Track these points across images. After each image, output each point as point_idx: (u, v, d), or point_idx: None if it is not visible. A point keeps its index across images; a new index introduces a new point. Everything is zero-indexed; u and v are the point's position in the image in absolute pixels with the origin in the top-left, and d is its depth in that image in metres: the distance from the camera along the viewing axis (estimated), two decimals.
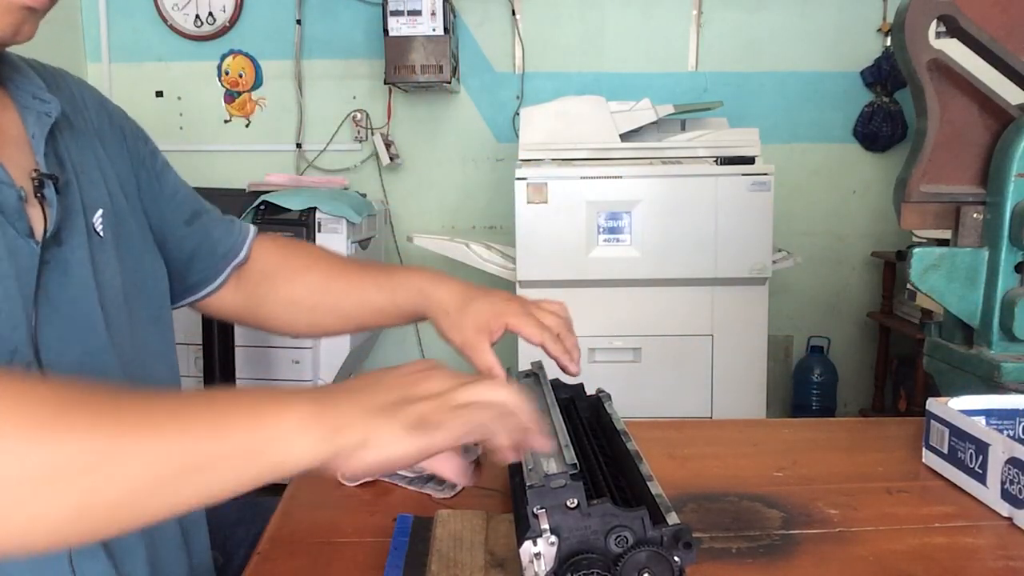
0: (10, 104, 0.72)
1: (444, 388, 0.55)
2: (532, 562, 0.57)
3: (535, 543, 0.57)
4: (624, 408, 0.84)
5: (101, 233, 0.74)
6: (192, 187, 0.95)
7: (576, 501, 0.57)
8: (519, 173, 2.60)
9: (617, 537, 0.57)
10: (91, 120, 0.80)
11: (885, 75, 3.18)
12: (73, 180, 0.73)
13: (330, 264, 0.98)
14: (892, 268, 3.17)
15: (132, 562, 0.73)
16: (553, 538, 0.57)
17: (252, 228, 0.98)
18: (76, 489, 0.45)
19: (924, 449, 0.94)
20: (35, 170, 0.69)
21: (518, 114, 3.13)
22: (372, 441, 0.51)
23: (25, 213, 0.67)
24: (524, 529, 0.57)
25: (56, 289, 0.68)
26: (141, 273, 0.80)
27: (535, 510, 0.57)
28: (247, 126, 3.39)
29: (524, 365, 1.00)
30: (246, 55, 3.35)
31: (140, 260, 0.81)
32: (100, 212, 0.75)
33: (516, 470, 0.71)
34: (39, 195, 0.68)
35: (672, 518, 0.59)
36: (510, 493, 0.77)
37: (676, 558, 0.57)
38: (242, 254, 0.95)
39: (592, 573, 0.56)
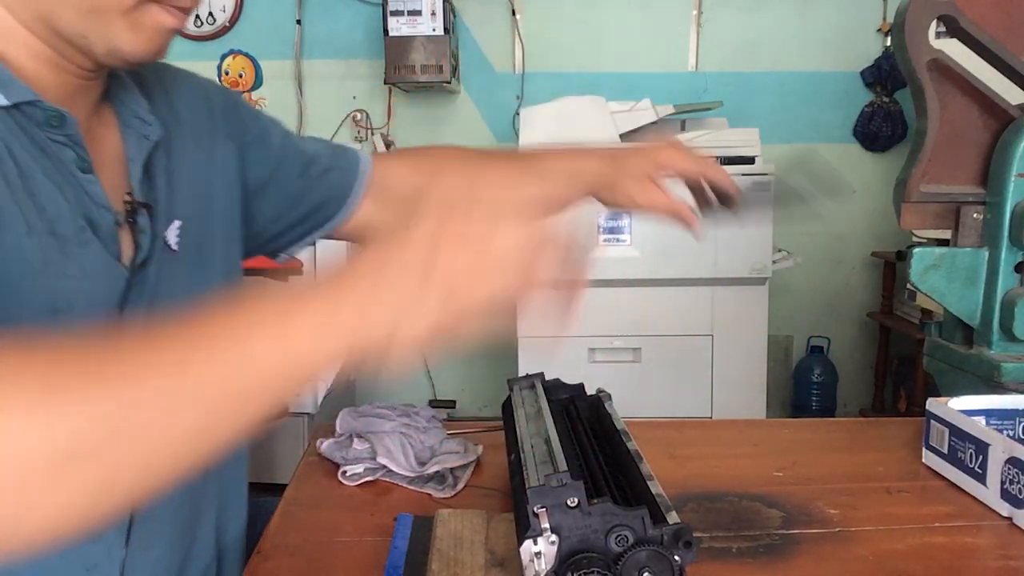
0: (113, 122, 0.71)
1: (474, 250, 0.48)
2: (532, 561, 0.57)
3: (535, 542, 0.57)
4: (624, 408, 0.84)
5: (175, 246, 0.72)
6: (303, 136, 0.91)
7: (576, 500, 0.57)
8: None
9: (617, 536, 0.57)
10: (187, 121, 0.79)
11: (885, 75, 3.18)
12: (161, 198, 0.72)
13: (471, 160, 0.94)
14: (892, 268, 3.17)
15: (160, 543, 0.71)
16: (553, 537, 0.57)
17: (365, 153, 0.94)
18: (92, 464, 0.40)
19: (924, 449, 0.94)
20: (128, 194, 0.68)
21: (518, 114, 3.13)
22: (403, 323, 0.47)
23: (117, 236, 0.66)
24: (524, 528, 0.57)
25: (138, 315, 0.67)
26: (216, 285, 0.78)
27: (535, 509, 0.57)
28: None
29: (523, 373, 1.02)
30: (246, 55, 3.35)
31: (216, 272, 0.78)
32: (177, 224, 0.73)
33: (516, 470, 0.71)
34: (131, 220, 0.68)
35: (672, 517, 0.59)
36: (510, 493, 0.77)
37: (676, 557, 0.57)
38: (361, 178, 0.91)
39: (592, 572, 0.56)
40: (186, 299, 0.72)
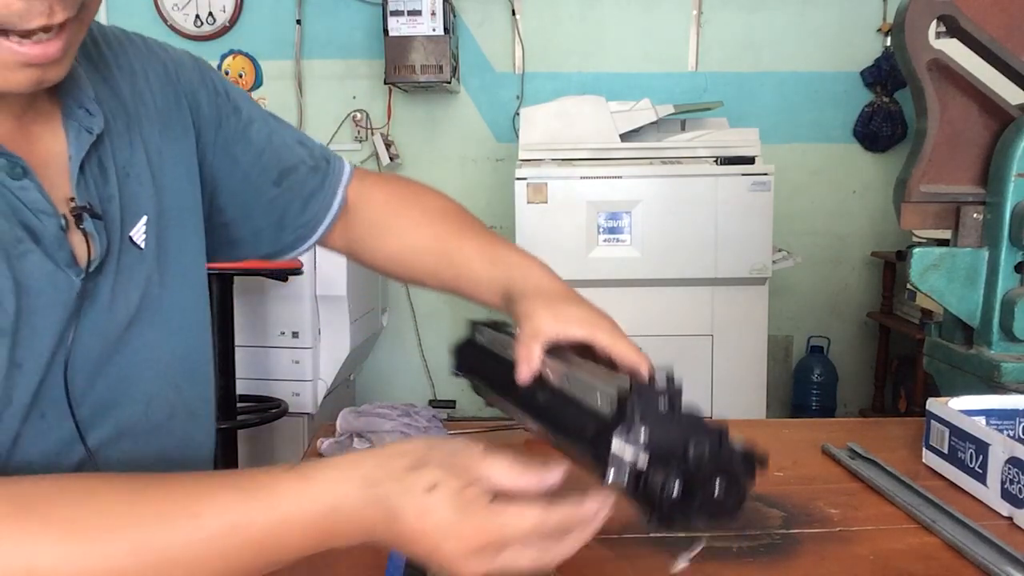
0: (57, 114, 0.65)
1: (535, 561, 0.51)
2: (622, 457, 0.56)
3: (627, 439, 0.56)
4: None
5: (142, 244, 0.68)
6: (290, 134, 0.87)
7: (667, 406, 0.57)
8: (519, 173, 2.60)
9: (697, 443, 0.56)
10: (152, 102, 0.73)
11: (885, 75, 3.18)
12: (115, 193, 0.67)
13: (443, 222, 0.90)
14: (892, 268, 3.17)
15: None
16: (644, 436, 0.56)
17: (346, 170, 0.90)
18: None
19: (924, 449, 0.94)
20: (72, 199, 0.63)
21: (518, 114, 3.13)
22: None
23: (68, 242, 0.62)
24: (613, 426, 0.56)
25: (94, 319, 0.64)
26: (183, 286, 0.74)
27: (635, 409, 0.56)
28: None
29: None
30: (246, 55, 3.35)
31: (184, 271, 0.74)
32: (143, 220, 0.69)
33: (558, 398, 0.67)
34: (80, 227, 0.63)
35: (738, 439, 0.58)
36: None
37: (743, 478, 0.57)
38: (333, 211, 0.88)
39: (674, 475, 0.55)
40: (156, 302, 0.69)
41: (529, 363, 0.68)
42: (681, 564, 0.62)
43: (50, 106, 0.65)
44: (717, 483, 0.55)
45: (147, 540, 0.48)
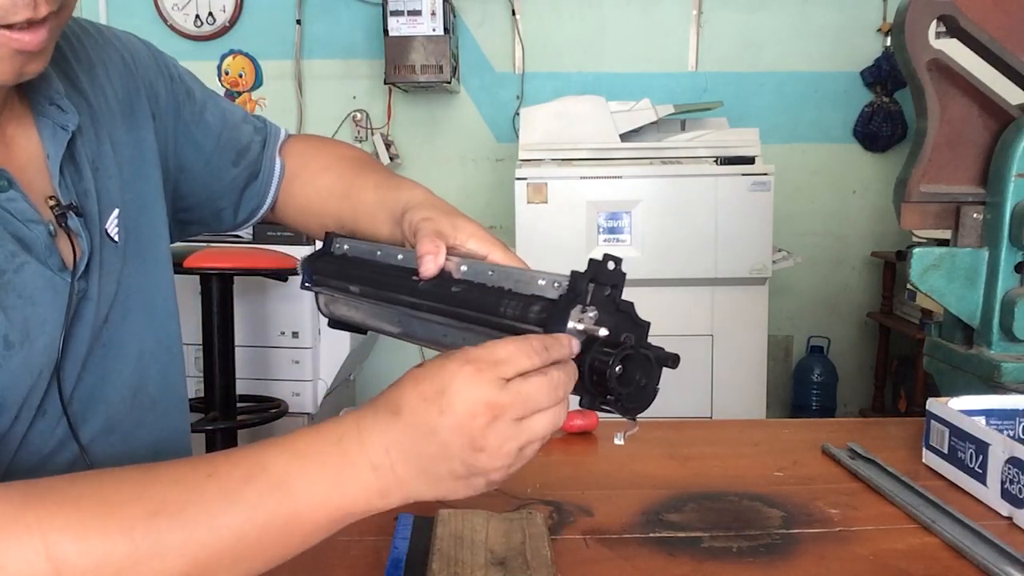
0: (28, 113, 0.65)
1: (509, 456, 0.52)
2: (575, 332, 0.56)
3: (583, 311, 0.57)
4: None
5: (116, 238, 0.69)
6: (236, 111, 0.89)
7: (610, 291, 0.58)
8: (519, 173, 2.60)
9: (624, 336, 0.59)
10: (113, 94, 0.73)
11: (885, 75, 3.19)
12: (91, 187, 0.67)
13: (348, 166, 0.89)
14: (892, 268, 3.17)
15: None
16: (593, 312, 0.57)
17: (281, 134, 0.92)
18: None
19: (924, 449, 0.94)
20: (52, 197, 0.63)
21: (518, 114, 3.13)
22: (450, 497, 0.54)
23: (56, 247, 0.62)
24: (567, 304, 0.57)
25: (84, 316, 0.65)
26: (157, 275, 0.76)
27: (587, 285, 0.57)
28: None
29: None
30: (246, 55, 3.35)
31: (156, 260, 0.76)
32: (115, 213, 0.69)
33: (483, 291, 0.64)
34: (64, 225, 0.63)
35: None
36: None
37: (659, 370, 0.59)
38: (276, 177, 0.90)
39: (617, 355, 0.56)
40: (129, 293, 0.70)
41: (436, 256, 0.65)
42: (619, 440, 0.68)
43: (20, 106, 0.65)
44: (645, 372, 0.58)
45: (164, 502, 0.47)
